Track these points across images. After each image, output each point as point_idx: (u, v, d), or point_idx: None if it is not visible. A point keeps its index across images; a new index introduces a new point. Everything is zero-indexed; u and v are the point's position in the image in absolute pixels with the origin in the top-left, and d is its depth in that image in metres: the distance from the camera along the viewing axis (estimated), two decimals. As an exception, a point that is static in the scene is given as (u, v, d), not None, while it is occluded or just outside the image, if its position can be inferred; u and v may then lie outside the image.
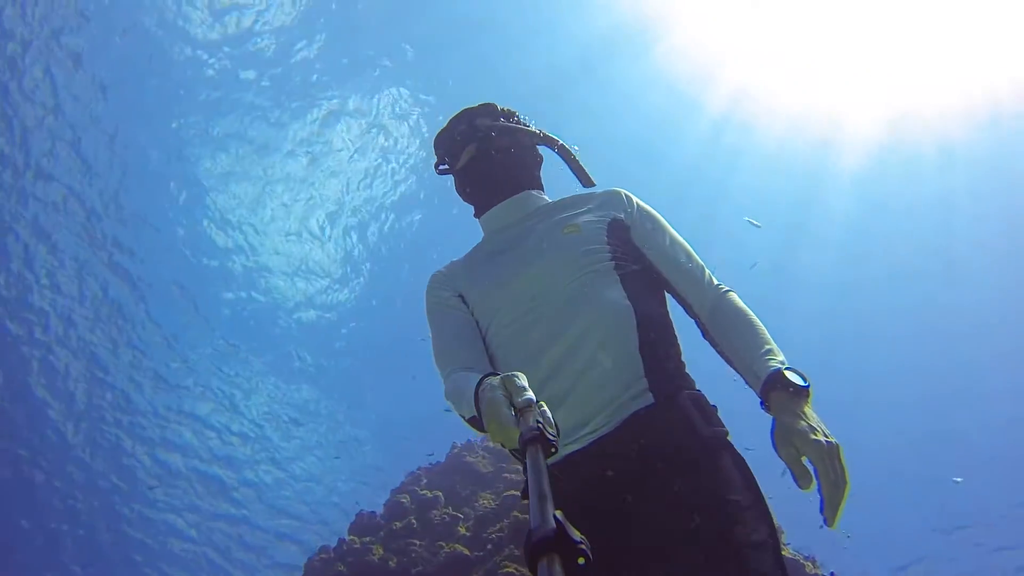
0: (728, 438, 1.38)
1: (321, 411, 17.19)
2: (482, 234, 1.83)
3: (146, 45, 11.35)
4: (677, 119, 14.99)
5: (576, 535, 0.61)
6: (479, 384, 1.15)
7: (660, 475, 1.28)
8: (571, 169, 1.82)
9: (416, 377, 15.83)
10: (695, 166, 15.55)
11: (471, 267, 1.70)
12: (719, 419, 1.41)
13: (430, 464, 8.42)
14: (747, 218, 12.07)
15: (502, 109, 1.82)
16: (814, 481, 1.15)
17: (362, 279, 15.80)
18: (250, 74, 12.33)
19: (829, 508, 1.11)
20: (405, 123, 14.01)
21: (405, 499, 7.08)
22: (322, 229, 14.75)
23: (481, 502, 6.77)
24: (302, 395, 16.73)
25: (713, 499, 1.24)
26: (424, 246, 15.30)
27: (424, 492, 6.99)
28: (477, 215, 1.84)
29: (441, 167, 1.87)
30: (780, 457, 1.21)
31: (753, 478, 1.32)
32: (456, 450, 8.44)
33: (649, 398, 1.37)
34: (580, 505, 1.29)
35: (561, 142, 1.81)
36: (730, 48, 13.90)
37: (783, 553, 1.22)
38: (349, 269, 15.52)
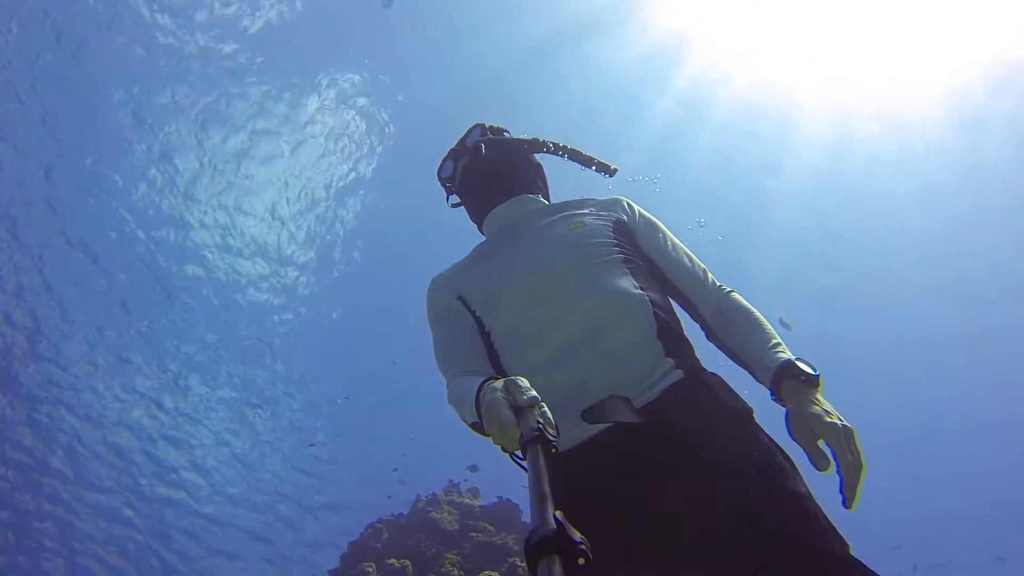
0: (754, 415, 1.40)
1: (270, 395, 16.36)
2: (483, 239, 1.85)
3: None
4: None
5: (576, 535, 0.61)
6: (480, 388, 1.15)
7: (693, 444, 1.27)
8: (583, 164, 1.83)
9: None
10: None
11: (472, 267, 1.71)
12: (743, 398, 1.44)
13: (392, 516, 8.10)
14: (781, 317, 11.52)
15: (489, 127, 1.90)
16: (831, 463, 1.17)
17: (314, 262, 15.50)
18: (228, 47, 12.08)
19: (848, 489, 1.13)
20: (361, 107, 13.99)
21: (371, 569, 6.71)
22: (282, 210, 14.46)
23: (448, 568, 6.49)
24: (253, 377, 15.97)
25: (748, 458, 1.26)
26: (379, 230, 15.39)
27: (391, 562, 6.63)
28: (481, 228, 1.86)
29: (451, 199, 1.92)
30: (796, 442, 1.23)
31: (782, 449, 1.33)
32: (420, 504, 8.14)
33: (679, 374, 1.39)
34: (603, 485, 1.27)
35: (554, 143, 1.82)
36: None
37: None
38: (304, 251, 15.20)
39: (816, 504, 1.22)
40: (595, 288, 1.46)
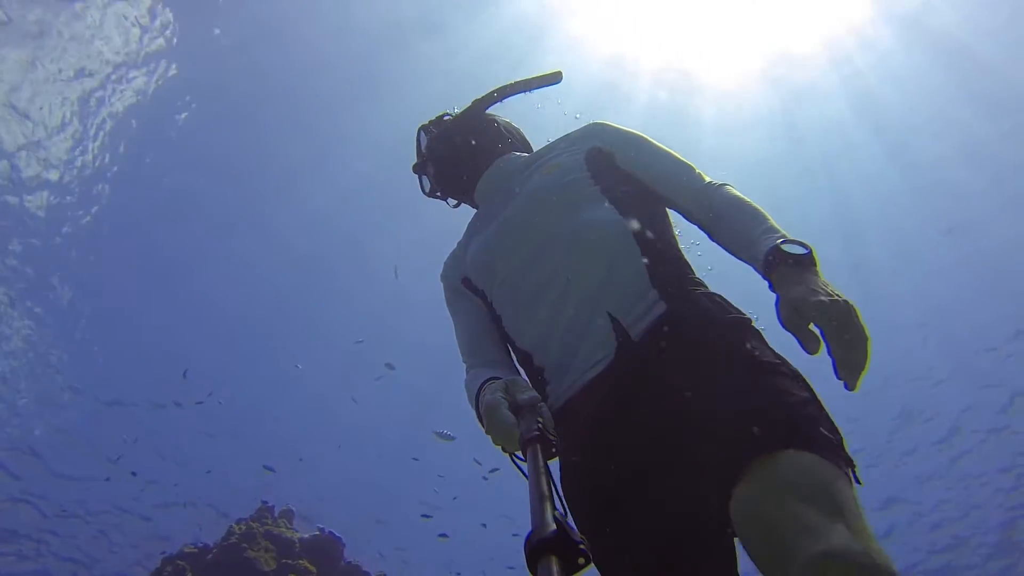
0: (753, 324, 1.29)
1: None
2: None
3: None
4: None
5: (576, 535, 0.62)
6: (481, 387, 1.15)
7: (682, 368, 1.20)
8: (529, 90, 1.76)
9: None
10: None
11: (467, 244, 1.70)
12: (738, 308, 1.33)
13: (197, 546, 7.19)
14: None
15: (429, 123, 1.88)
16: (821, 343, 1.06)
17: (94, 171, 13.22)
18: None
19: (844, 369, 1.04)
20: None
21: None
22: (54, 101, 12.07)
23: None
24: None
25: (743, 366, 1.17)
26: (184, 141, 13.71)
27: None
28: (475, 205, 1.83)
29: (450, 203, 1.88)
30: (786, 329, 1.11)
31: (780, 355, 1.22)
32: (234, 539, 7.26)
33: (662, 306, 1.31)
34: (591, 440, 1.24)
35: (490, 92, 1.78)
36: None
37: None
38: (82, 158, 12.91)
39: (811, 399, 1.12)
40: (572, 230, 1.43)
